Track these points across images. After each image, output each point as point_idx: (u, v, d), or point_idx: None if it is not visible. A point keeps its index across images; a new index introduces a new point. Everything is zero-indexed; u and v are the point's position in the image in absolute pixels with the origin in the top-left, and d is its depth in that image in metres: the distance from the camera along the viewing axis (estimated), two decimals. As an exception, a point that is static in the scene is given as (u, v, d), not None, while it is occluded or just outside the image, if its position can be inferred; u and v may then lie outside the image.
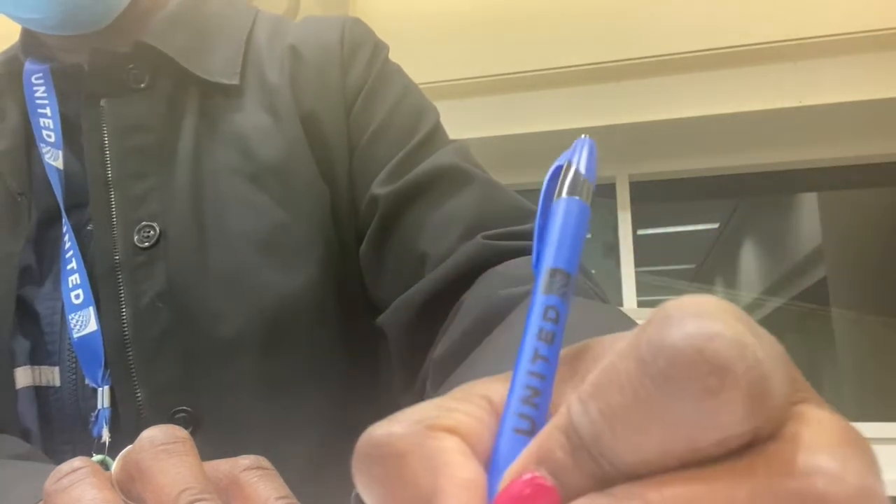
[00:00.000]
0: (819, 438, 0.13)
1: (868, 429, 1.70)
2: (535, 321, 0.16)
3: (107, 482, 0.24)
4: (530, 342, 0.15)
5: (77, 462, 0.24)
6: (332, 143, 0.50)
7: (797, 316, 3.03)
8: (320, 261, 0.48)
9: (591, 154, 0.18)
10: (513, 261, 0.42)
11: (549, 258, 0.17)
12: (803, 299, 2.92)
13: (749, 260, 3.66)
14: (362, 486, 0.16)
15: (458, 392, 0.17)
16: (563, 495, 0.14)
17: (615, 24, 1.85)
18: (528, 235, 0.45)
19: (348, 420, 0.47)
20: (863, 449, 0.13)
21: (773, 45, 1.76)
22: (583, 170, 0.18)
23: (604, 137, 1.92)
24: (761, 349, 0.12)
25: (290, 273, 0.46)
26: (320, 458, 0.46)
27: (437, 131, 0.53)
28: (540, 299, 0.16)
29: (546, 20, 1.89)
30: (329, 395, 0.47)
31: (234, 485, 0.26)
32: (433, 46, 1.89)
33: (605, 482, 0.13)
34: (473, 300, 0.40)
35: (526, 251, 0.43)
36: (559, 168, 0.19)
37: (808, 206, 2.87)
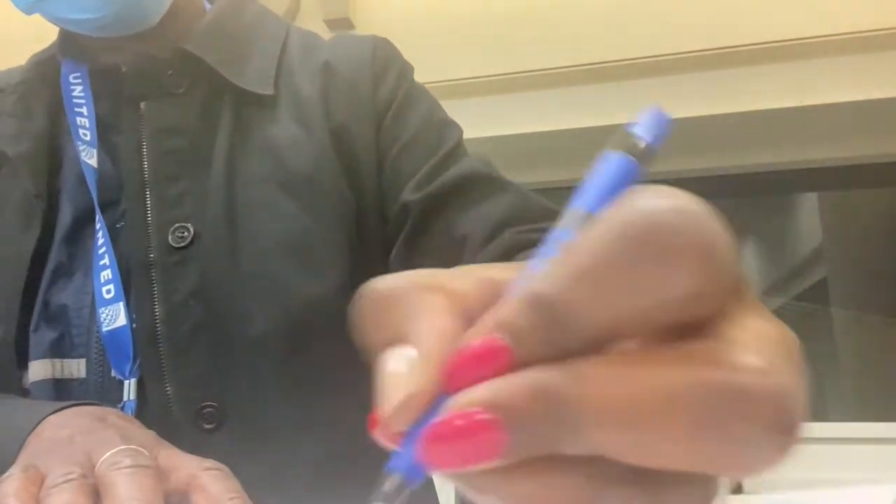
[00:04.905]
0: (749, 339, 0.14)
1: (868, 429, 1.69)
2: (557, 231, 0.16)
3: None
4: (552, 237, 0.16)
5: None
6: (361, 154, 0.53)
7: (797, 316, 3.03)
8: (345, 267, 0.50)
9: (658, 120, 0.19)
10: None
11: (577, 201, 0.17)
12: (803, 299, 2.92)
13: (749, 260, 3.65)
14: (359, 326, 0.18)
15: (458, 269, 0.18)
16: (519, 359, 0.14)
17: (615, 24, 1.85)
18: None
19: (368, 424, 0.49)
20: (787, 351, 0.14)
21: (773, 45, 1.76)
22: (640, 132, 0.19)
23: (604, 137, 1.91)
24: (715, 226, 0.14)
25: (317, 278, 0.48)
26: (340, 460, 0.47)
27: (461, 145, 0.55)
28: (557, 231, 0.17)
29: (546, 20, 1.89)
30: (350, 398, 0.49)
31: (194, 481, 0.29)
32: (433, 46, 1.89)
33: (559, 350, 0.14)
34: None
35: None
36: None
37: (808, 206, 2.87)
